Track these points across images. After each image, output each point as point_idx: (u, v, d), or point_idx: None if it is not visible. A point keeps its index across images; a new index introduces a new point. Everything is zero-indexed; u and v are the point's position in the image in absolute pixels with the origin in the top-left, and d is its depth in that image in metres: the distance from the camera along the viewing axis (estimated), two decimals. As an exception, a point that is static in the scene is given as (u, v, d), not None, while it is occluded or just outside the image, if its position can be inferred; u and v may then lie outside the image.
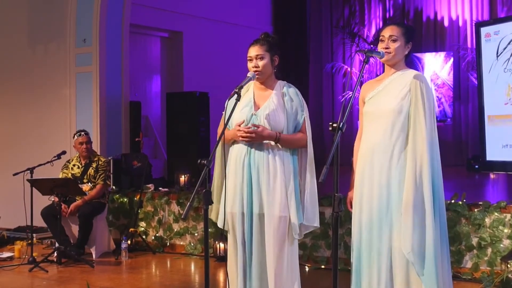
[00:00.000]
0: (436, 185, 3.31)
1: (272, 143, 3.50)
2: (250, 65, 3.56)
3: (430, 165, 3.26)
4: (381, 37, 3.45)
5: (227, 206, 3.51)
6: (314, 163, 3.63)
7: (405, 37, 3.42)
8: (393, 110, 3.35)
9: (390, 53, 3.40)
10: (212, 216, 3.69)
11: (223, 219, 3.54)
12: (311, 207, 3.57)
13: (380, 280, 3.33)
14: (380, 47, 3.43)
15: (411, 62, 3.63)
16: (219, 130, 3.64)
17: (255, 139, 3.44)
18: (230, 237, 3.61)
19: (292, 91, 3.58)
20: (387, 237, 3.32)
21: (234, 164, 3.55)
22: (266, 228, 3.48)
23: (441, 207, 3.35)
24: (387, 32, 3.43)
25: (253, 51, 3.56)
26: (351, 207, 3.55)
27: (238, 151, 3.56)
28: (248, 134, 3.42)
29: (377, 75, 10.91)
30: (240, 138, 3.46)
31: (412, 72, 3.43)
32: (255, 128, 3.42)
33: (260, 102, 3.57)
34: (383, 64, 3.56)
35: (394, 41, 3.40)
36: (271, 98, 3.55)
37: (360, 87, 3.66)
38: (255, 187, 3.49)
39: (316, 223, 3.61)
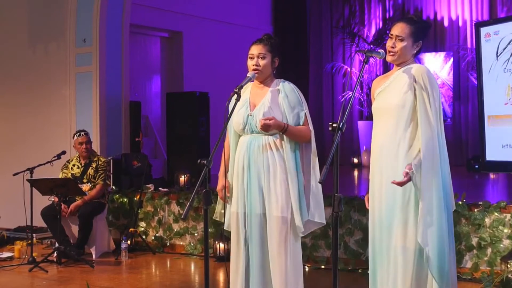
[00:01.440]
0: (445, 187, 3.29)
1: (272, 143, 3.51)
2: (250, 62, 3.57)
3: (439, 170, 3.25)
4: (390, 34, 3.41)
5: (231, 206, 3.56)
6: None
7: (413, 37, 3.35)
8: (397, 105, 3.32)
9: (395, 53, 3.36)
10: (215, 216, 3.73)
11: (228, 220, 3.60)
12: (318, 202, 3.55)
13: (388, 278, 3.31)
14: (388, 44, 3.39)
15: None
16: (226, 145, 3.71)
17: (272, 126, 3.43)
18: (233, 237, 3.62)
19: (288, 88, 3.58)
20: (395, 235, 3.29)
21: (237, 165, 3.59)
22: (268, 228, 3.49)
23: (448, 203, 3.33)
24: (395, 30, 3.37)
25: (256, 49, 3.57)
26: (368, 205, 3.52)
27: (240, 152, 3.59)
28: (263, 125, 3.42)
29: (377, 75, 10.91)
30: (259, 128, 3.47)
31: (415, 66, 3.39)
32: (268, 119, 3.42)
33: (255, 101, 3.58)
34: (383, 64, 3.56)
35: (401, 41, 3.35)
36: (266, 97, 3.56)
37: (360, 87, 3.67)
38: (256, 187, 3.51)
39: (324, 220, 3.59)
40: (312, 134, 3.58)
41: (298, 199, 3.51)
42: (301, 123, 3.55)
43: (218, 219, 3.75)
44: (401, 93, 3.33)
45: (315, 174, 3.57)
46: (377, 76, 9.45)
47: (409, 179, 3.21)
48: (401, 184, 3.21)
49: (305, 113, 3.56)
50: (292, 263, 3.52)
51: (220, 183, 3.70)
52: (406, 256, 3.26)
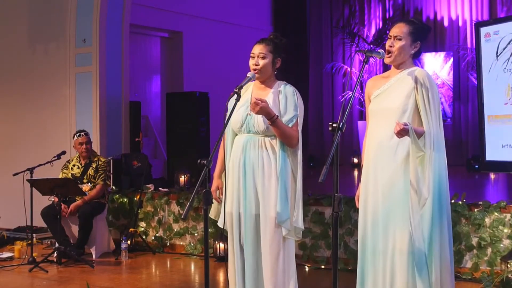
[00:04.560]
0: (440, 184, 3.29)
1: (268, 144, 3.51)
2: (251, 62, 3.56)
3: (434, 162, 3.26)
4: (388, 35, 3.43)
5: (226, 206, 3.53)
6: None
7: (411, 36, 3.37)
8: (397, 108, 3.32)
9: (392, 52, 3.37)
10: (211, 214, 3.71)
11: (223, 219, 3.57)
12: (300, 208, 3.54)
13: (385, 280, 3.32)
14: (386, 44, 3.41)
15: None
16: (222, 146, 3.69)
17: (260, 110, 3.37)
18: (229, 236, 3.62)
19: (289, 90, 3.57)
20: (392, 237, 3.30)
21: (232, 164, 3.58)
22: (261, 228, 3.48)
23: (445, 205, 3.32)
24: (394, 31, 3.39)
25: (257, 49, 3.56)
26: (359, 204, 3.51)
27: (235, 152, 3.58)
28: (253, 102, 3.36)
29: (376, 75, 10.89)
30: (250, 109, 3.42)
31: (416, 70, 3.39)
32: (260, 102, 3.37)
33: None
34: (383, 64, 3.57)
35: (399, 40, 3.36)
36: (267, 98, 3.54)
37: (360, 87, 3.65)
38: (251, 187, 3.50)
39: (302, 225, 3.56)
40: (299, 140, 3.52)
41: (285, 199, 3.48)
42: (290, 126, 3.51)
43: (213, 218, 3.74)
44: (402, 97, 3.33)
45: (300, 180, 3.53)
46: (376, 75, 9.44)
47: (407, 131, 3.18)
48: (399, 131, 3.16)
49: (298, 118, 3.53)
50: (286, 264, 3.51)
51: (214, 184, 3.70)
52: (403, 259, 3.26)
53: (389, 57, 3.39)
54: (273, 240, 3.46)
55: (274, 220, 3.46)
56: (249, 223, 3.51)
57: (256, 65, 3.53)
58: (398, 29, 3.38)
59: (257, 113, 3.40)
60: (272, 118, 3.40)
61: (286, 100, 3.53)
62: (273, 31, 12.09)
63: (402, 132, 3.18)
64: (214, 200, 3.70)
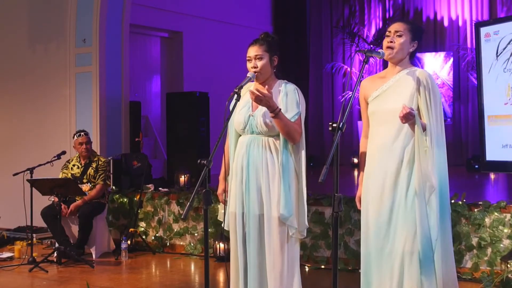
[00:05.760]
0: (441, 186, 3.28)
1: (272, 144, 3.50)
2: (249, 65, 3.55)
3: (435, 159, 3.25)
4: (387, 32, 3.41)
5: (230, 206, 3.54)
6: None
7: (411, 34, 3.37)
8: (400, 109, 3.32)
9: (393, 48, 3.36)
10: (220, 217, 3.72)
11: (227, 219, 3.58)
12: (304, 207, 3.53)
13: (392, 282, 3.30)
14: (385, 41, 3.39)
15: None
16: (226, 148, 3.68)
17: (262, 101, 3.35)
18: (231, 237, 3.62)
19: (290, 89, 3.55)
20: (399, 239, 3.28)
21: (235, 165, 3.58)
22: (265, 228, 3.48)
23: (446, 204, 3.33)
24: (393, 27, 3.39)
25: (252, 51, 3.55)
26: (360, 206, 3.50)
27: (239, 152, 3.58)
28: (257, 94, 3.32)
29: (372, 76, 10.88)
30: (251, 96, 3.38)
31: (417, 70, 3.39)
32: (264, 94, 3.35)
33: None
34: (383, 64, 3.56)
35: (400, 36, 3.36)
36: None
37: (360, 86, 3.60)
38: (254, 187, 3.50)
39: (307, 223, 3.57)
40: (302, 137, 3.50)
41: (286, 198, 3.48)
42: (292, 121, 3.50)
43: (221, 220, 3.75)
44: (405, 98, 3.31)
45: (304, 179, 3.53)
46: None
47: (412, 116, 3.16)
48: (405, 114, 3.13)
49: (300, 114, 3.51)
50: (289, 265, 3.50)
51: (221, 187, 3.69)
52: (413, 259, 3.25)
53: (390, 53, 3.38)
54: (277, 240, 3.46)
55: (277, 220, 3.46)
56: (253, 223, 3.50)
57: (255, 67, 3.52)
58: (398, 26, 3.39)
59: (260, 103, 3.36)
60: (275, 111, 3.38)
61: (287, 97, 3.51)
62: (273, 31, 12.10)
63: (409, 116, 3.15)
64: (221, 204, 3.70)
